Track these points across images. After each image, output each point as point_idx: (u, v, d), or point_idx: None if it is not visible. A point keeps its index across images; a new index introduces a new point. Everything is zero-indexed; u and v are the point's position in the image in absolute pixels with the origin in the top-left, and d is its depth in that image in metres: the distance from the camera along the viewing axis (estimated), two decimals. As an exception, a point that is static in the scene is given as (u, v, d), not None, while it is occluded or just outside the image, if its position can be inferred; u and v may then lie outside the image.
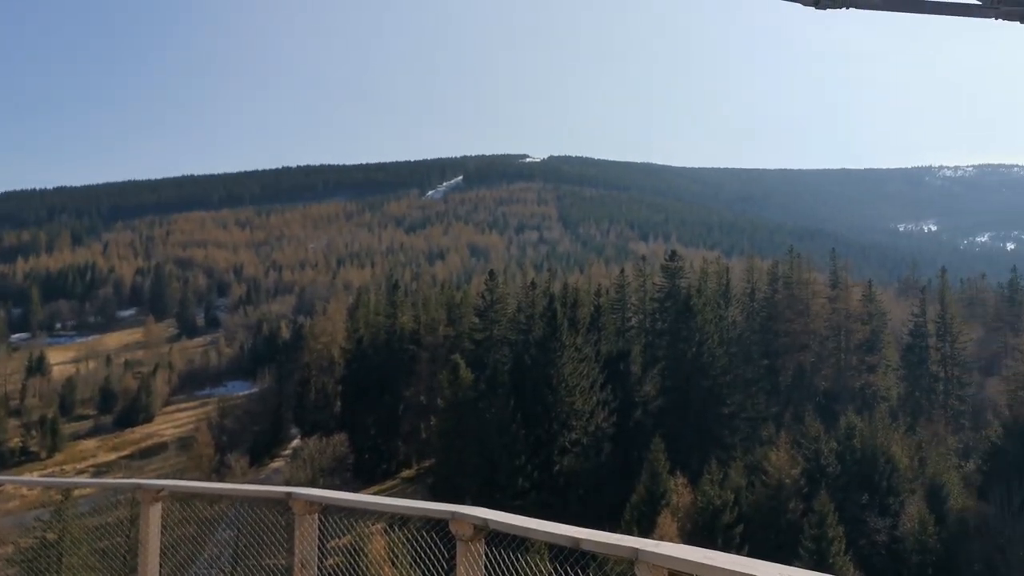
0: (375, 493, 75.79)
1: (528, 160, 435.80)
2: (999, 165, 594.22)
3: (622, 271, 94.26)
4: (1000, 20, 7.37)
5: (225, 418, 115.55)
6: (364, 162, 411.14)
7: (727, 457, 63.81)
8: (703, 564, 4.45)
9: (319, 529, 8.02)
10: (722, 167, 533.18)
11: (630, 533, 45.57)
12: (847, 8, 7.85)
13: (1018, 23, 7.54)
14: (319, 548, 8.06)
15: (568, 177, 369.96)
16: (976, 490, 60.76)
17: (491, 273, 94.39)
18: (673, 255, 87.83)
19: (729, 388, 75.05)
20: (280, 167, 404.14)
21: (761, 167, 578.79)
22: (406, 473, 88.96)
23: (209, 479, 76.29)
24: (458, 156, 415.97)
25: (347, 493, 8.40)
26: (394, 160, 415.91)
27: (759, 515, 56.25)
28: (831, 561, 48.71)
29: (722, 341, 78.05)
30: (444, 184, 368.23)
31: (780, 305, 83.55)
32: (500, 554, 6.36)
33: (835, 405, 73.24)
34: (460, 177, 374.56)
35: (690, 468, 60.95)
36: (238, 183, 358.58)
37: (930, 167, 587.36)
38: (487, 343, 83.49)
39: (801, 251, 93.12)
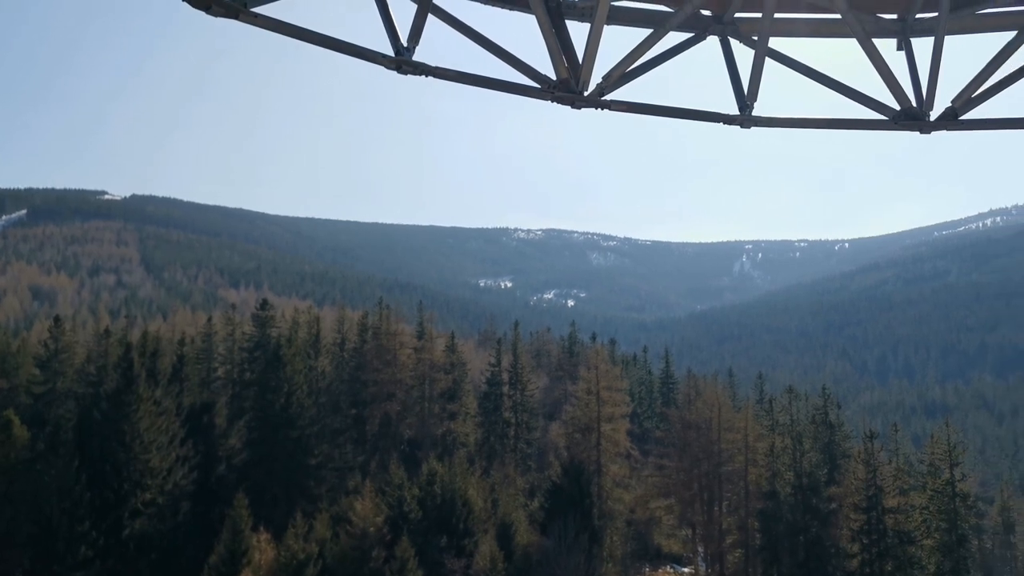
0: None
1: (107, 197, 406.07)
2: (562, 230, 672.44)
3: (210, 319, 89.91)
4: (554, 102, 8.23)
5: None
6: None
7: (313, 509, 63.08)
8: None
9: None
10: (317, 217, 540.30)
11: (206, 598, 43.07)
12: (426, 76, 8.13)
13: (568, 107, 8.39)
14: None
15: (153, 218, 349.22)
16: (540, 526, 66.32)
17: (56, 319, 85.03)
18: (264, 304, 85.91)
19: (317, 438, 74.61)
20: None
21: (354, 219, 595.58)
22: (-62, 551, 75.97)
23: None
24: (22, 188, 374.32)
25: None
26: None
27: (343, 566, 56.14)
28: (411, 606, 49.97)
29: (311, 391, 77.62)
30: (3, 218, 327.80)
31: (369, 355, 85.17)
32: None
33: (419, 452, 75.98)
34: (24, 211, 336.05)
35: (275, 522, 59.29)
36: None
37: (507, 229, 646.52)
38: (49, 396, 74.72)
39: (390, 303, 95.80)
